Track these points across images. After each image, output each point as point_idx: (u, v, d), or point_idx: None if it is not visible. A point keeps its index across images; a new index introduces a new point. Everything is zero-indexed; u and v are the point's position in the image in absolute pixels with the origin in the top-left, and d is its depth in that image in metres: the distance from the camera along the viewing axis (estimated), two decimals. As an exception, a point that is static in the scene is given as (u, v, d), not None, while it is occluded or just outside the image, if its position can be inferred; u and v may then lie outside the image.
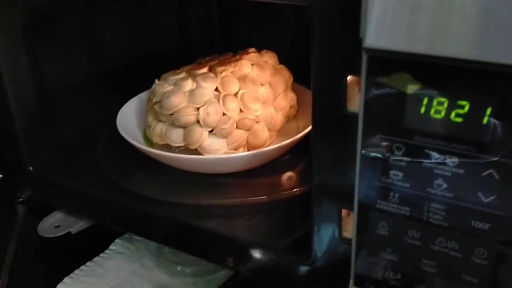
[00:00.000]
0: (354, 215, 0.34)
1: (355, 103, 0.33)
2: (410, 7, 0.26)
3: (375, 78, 0.29)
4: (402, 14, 0.27)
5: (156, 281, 0.61)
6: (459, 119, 0.28)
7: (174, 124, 0.51)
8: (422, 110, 0.29)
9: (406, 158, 0.31)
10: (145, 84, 0.58)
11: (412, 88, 0.29)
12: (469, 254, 0.31)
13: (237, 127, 0.50)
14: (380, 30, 0.27)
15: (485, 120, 0.27)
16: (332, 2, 0.31)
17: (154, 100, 0.53)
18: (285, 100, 0.55)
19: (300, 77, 0.57)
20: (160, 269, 0.62)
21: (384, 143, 0.31)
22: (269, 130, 0.53)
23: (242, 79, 0.52)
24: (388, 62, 0.29)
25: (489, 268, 0.31)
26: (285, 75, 0.56)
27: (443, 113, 0.28)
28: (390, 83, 0.29)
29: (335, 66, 0.33)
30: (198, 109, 0.50)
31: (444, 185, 0.30)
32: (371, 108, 0.30)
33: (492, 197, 0.29)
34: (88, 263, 0.64)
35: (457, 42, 0.26)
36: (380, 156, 0.31)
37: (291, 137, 0.51)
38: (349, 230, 0.38)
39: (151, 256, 0.64)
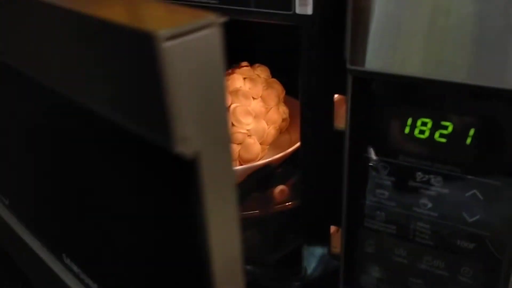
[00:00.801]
0: (342, 233, 0.34)
1: (343, 121, 0.33)
2: (393, 31, 0.27)
3: (360, 98, 0.30)
4: (385, 37, 0.27)
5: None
6: (443, 140, 0.28)
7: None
8: (407, 130, 0.29)
9: (391, 177, 0.31)
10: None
11: (396, 109, 0.29)
12: (455, 273, 0.31)
13: (228, 141, 0.50)
14: (364, 52, 0.28)
15: (468, 141, 0.28)
16: (320, 24, 0.31)
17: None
18: (277, 113, 0.55)
19: (293, 90, 0.58)
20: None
21: (370, 162, 0.31)
22: (261, 143, 0.53)
23: (234, 93, 0.53)
24: (372, 83, 0.29)
25: (475, 286, 0.31)
26: (277, 89, 0.57)
27: (427, 134, 0.29)
28: (375, 103, 0.29)
29: (322, 85, 0.33)
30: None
31: (429, 205, 0.30)
32: (357, 127, 0.31)
33: (477, 217, 0.29)
34: None
35: (440, 66, 0.26)
36: (366, 174, 0.31)
37: (284, 150, 0.51)
38: (338, 246, 0.38)
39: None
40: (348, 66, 0.29)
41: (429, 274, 0.32)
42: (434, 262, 0.32)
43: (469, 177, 0.28)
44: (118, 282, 0.33)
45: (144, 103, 0.17)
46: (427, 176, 0.29)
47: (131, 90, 0.18)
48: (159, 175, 0.20)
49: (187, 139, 0.17)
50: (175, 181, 0.19)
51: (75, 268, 0.39)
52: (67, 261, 0.40)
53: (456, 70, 0.26)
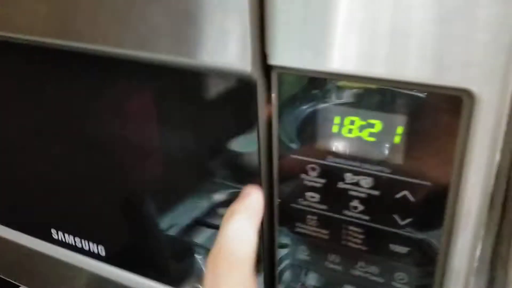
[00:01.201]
0: (275, 238, 0.32)
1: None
2: (313, 25, 0.25)
3: (285, 96, 0.28)
4: (306, 32, 0.25)
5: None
6: (372, 139, 0.27)
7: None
8: (334, 129, 0.27)
9: (321, 180, 0.29)
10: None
11: (322, 107, 0.27)
12: (389, 279, 0.30)
13: None
14: (285, 48, 0.26)
15: (396, 139, 0.26)
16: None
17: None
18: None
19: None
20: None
21: (299, 163, 0.29)
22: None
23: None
24: (296, 80, 0.27)
25: (411, 291, 0.30)
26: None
27: (355, 132, 0.27)
28: (301, 101, 0.28)
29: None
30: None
31: (360, 207, 0.28)
32: (285, 126, 0.29)
33: (408, 220, 0.27)
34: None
35: (364, 60, 0.24)
36: (296, 176, 0.29)
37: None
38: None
39: None
40: (269, 61, 0.26)
41: (364, 280, 0.30)
42: (368, 268, 0.30)
43: (399, 177, 0.27)
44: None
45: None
46: (356, 178, 0.28)
47: None
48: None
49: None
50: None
51: (70, 239, 0.40)
52: (59, 235, 0.41)
53: (383, 65, 0.24)
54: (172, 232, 0.37)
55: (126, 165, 0.36)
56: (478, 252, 0.28)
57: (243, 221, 0.29)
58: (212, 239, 0.30)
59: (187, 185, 0.36)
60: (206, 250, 0.37)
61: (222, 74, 0.29)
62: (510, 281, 0.46)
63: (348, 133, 0.27)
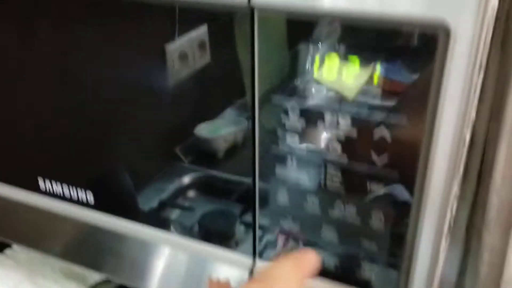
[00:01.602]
0: (255, 184, 0.33)
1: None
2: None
3: (265, 35, 0.28)
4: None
5: (69, 272, 0.58)
6: (351, 78, 0.27)
7: None
8: (315, 68, 0.28)
9: (301, 121, 0.29)
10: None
11: (302, 47, 0.28)
12: (367, 219, 0.30)
13: None
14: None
15: (375, 79, 0.27)
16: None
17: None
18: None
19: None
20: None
21: (280, 104, 0.30)
22: None
23: None
24: (276, 20, 0.27)
25: (387, 233, 0.30)
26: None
27: (334, 72, 0.28)
28: (280, 41, 0.28)
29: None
30: None
31: (339, 148, 0.29)
32: (265, 68, 0.29)
33: (385, 158, 0.28)
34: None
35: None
36: (276, 118, 0.30)
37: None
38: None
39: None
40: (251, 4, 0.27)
41: (342, 222, 0.31)
42: (346, 210, 0.31)
43: (377, 116, 0.27)
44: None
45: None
46: (335, 118, 0.28)
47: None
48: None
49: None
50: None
51: (58, 188, 0.40)
52: (46, 184, 0.41)
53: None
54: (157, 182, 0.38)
55: (113, 110, 0.37)
56: (454, 193, 0.29)
57: (290, 268, 0.26)
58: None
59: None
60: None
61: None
62: (483, 249, 0.47)
63: (328, 72, 0.28)
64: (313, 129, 0.29)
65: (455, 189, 0.29)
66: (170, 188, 0.38)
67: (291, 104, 0.29)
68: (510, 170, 0.42)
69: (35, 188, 0.42)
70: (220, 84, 0.33)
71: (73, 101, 0.38)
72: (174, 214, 0.39)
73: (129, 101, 0.36)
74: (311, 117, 0.29)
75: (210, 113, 0.34)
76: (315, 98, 0.28)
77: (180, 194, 0.38)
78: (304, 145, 0.30)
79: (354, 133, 0.28)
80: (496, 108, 0.47)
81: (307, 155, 0.30)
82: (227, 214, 0.37)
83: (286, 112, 0.29)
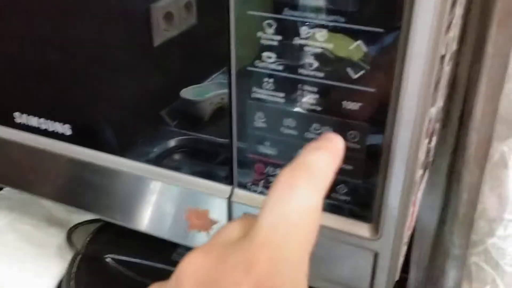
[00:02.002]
0: (231, 108, 0.33)
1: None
2: None
3: None
4: None
5: (51, 217, 0.57)
6: (326, -12, 0.27)
7: None
8: (291, -20, 0.27)
9: (277, 37, 0.29)
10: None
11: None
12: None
13: None
14: None
15: (351, -13, 0.26)
16: None
17: None
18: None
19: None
20: (55, 206, 0.58)
21: (256, 20, 0.29)
22: None
23: None
24: None
25: (363, 152, 0.30)
26: None
27: (311, -17, 0.27)
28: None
29: None
30: None
31: (315, 64, 0.29)
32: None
33: (361, 72, 0.28)
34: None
35: None
36: (252, 35, 0.29)
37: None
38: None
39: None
40: None
41: (318, 143, 0.31)
42: (322, 129, 0.30)
43: (353, 27, 0.27)
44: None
45: None
46: (312, 31, 0.28)
47: None
48: None
49: None
50: None
51: (34, 121, 0.40)
52: (22, 119, 0.41)
53: None
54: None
55: (94, 66, 0.37)
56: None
57: (326, 156, 0.26)
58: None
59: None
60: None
61: None
62: (462, 188, 0.47)
63: (304, -16, 0.27)
64: (289, 45, 0.29)
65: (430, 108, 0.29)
66: (156, 150, 0.38)
67: (267, 20, 0.29)
68: (489, 106, 0.42)
69: (10, 122, 0.41)
70: (206, 47, 0.32)
71: (54, 45, 0.37)
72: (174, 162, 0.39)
73: (112, 60, 0.36)
74: (287, 32, 0.28)
75: (197, 76, 0.34)
76: (291, 10, 0.28)
77: (166, 157, 0.38)
78: (280, 64, 0.30)
79: (330, 46, 0.28)
80: (478, 50, 0.47)
81: (284, 73, 0.30)
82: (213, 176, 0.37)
83: (262, 28, 0.29)
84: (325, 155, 0.26)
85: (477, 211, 0.40)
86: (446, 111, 0.54)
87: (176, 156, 0.37)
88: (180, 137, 0.37)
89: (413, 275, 0.61)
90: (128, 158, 0.39)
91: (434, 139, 0.41)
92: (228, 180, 0.35)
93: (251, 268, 0.22)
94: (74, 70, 0.38)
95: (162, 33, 0.33)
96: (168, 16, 0.32)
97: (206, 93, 0.34)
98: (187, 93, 0.34)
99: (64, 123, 0.39)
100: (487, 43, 0.42)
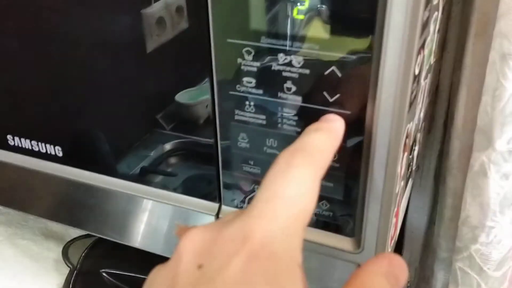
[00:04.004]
0: (216, 128, 0.34)
1: None
2: None
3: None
4: None
5: (48, 231, 0.59)
6: (301, 17, 0.28)
7: None
8: (266, 9, 0.28)
9: (255, 63, 0.30)
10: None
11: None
12: (322, 158, 0.31)
13: None
14: None
15: (323, 16, 0.27)
16: None
17: None
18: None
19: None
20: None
21: (235, 48, 0.30)
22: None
23: None
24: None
25: (342, 170, 0.31)
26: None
27: (286, 12, 0.28)
28: (233, -18, 0.28)
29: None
30: None
31: (293, 88, 0.30)
32: (218, 10, 0.30)
33: (337, 96, 0.29)
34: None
35: None
36: (232, 62, 0.31)
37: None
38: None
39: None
40: None
41: (299, 162, 0.32)
42: (303, 149, 0.32)
43: (327, 54, 0.28)
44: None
45: None
46: (288, 57, 0.29)
47: None
48: None
49: None
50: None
51: (27, 143, 0.41)
52: (15, 141, 0.42)
53: None
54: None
55: (88, 75, 0.37)
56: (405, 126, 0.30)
57: (324, 136, 0.27)
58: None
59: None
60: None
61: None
62: (447, 193, 0.49)
63: (280, 11, 0.28)
64: (267, 70, 0.30)
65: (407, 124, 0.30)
66: (152, 155, 0.39)
67: (246, 48, 0.30)
68: (470, 114, 0.43)
69: (4, 145, 0.42)
70: (199, 50, 0.33)
71: (45, 61, 0.38)
72: (157, 179, 0.40)
73: (106, 67, 0.37)
74: (265, 58, 0.29)
75: (191, 80, 0.34)
76: (268, 38, 0.29)
77: (162, 161, 0.39)
78: (260, 88, 0.31)
79: (306, 71, 0.29)
80: (459, 57, 0.48)
81: (264, 97, 0.31)
82: (209, 178, 0.38)
83: (242, 56, 0.30)
84: (324, 136, 0.27)
85: (460, 218, 0.42)
86: (431, 116, 0.55)
87: (173, 160, 0.38)
88: (176, 141, 0.38)
89: (405, 276, 0.62)
90: (119, 176, 0.40)
91: (416, 148, 0.42)
92: (215, 198, 0.37)
93: (247, 238, 0.22)
94: (66, 85, 0.38)
95: (154, 39, 0.34)
96: (160, 21, 0.33)
97: (201, 96, 0.35)
98: (182, 97, 0.35)
99: (55, 144, 0.40)
100: (466, 52, 0.44)
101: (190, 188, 0.38)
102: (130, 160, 0.39)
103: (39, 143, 0.41)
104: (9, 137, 0.42)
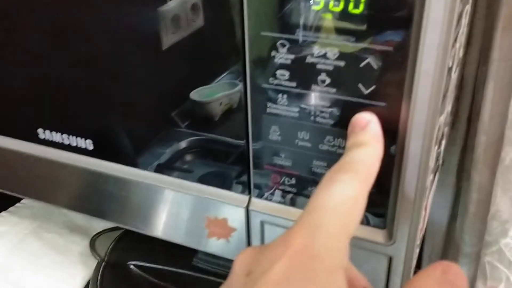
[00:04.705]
0: (247, 122, 0.34)
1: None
2: None
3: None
4: None
5: (72, 225, 0.59)
6: (337, 9, 0.28)
7: None
8: (300, 1, 0.29)
9: (290, 56, 0.30)
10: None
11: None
12: (355, 151, 0.31)
13: None
14: None
15: (361, 8, 0.27)
16: None
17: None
18: None
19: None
20: (76, 213, 0.60)
21: (269, 40, 0.30)
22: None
23: None
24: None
25: (375, 163, 0.31)
26: None
27: (322, 4, 0.28)
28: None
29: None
30: None
31: (328, 80, 0.30)
32: (253, 3, 0.30)
33: (372, 88, 0.29)
34: (2, 213, 0.62)
35: None
36: (266, 55, 0.31)
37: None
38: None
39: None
40: None
41: (332, 155, 0.32)
42: (336, 142, 0.32)
43: (363, 45, 0.28)
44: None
45: None
46: (323, 50, 0.29)
47: None
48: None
49: None
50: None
51: (57, 137, 0.42)
52: (45, 135, 0.42)
53: None
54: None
55: (108, 71, 0.38)
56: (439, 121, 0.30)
57: (372, 148, 0.28)
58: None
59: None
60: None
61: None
62: (472, 188, 0.48)
63: (315, 4, 0.28)
64: (302, 63, 0.30)
65: (441, 116, 0.30)
66: (168, 152, 0.39)
67: (280, 41, 0.30)
68: (497, 108, 0.43)
69: (35, 139, 0.43)
70: (214, 48, 0.34)
71: (72, 57, 0.39)
72: (173, 175, 0.40)
73: (124, 67, 0.37)
74: (300, 51, 0.30)
75: (206, 77, 0.35)
76: (304, 30, 0.29)
77: (178, 158, 0.39)
78: (293, 81, 0.31)
79: (341, 63, 0.29)
80: (484, 51, 0.47)
81: (297, 89, 0.31)
82: (225, 175, 0.38)
83: (275, 48, 0.30)
84: (366, 149, 0.27)
85: (490, 212, 0.42)
86: (455, 111, 0.55)
87: (189, 157, 0.39)
88: (192, 138, 0.38)
89: (426, 271, 0.62)
90: (145, 168, 0.40)
91: (443, 142, 0.42)
92: (245, 189, 0.37)
93: (289, 243, 0.23)
94: (89, 83, 0.39)
95: (170, 36, 0.34)
96: (176, 19, 0.33)
97: (216, 93, 0.35)
98: (197, 94, 0.36)
99: (86, 138, 0.41)
100: (493, 47, 0.43)
101: (228, 183, 0.38)
102: (149, 155, 0.40)
103: (70, 136, 0.41)
104: (39, 130, 0.42)
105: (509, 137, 0.39)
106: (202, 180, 0.39)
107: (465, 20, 0.36)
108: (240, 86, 0.33)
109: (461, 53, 0.39)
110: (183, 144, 0.39)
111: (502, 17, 0.41)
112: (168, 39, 0.34)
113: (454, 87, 0.41)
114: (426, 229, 0.61)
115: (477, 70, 0.50)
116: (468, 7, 0.37)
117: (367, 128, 0.28)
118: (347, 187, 0.25)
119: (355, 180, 0.26)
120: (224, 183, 0.38)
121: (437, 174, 0.44)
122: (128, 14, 0.35)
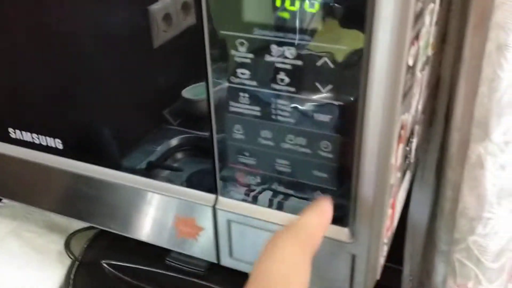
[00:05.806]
0: (212, 120, 0.34)
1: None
2: None
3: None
4: None
5: (52, 224, 0.59)
6: (293, 8, 0.28)
7: None
8: (258, 1, 0.29)
9: (249, 55, 0.30)
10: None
11: (246, -22, 0.28)
12: (316, 149, 0.32)
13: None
14: None
15: (316, 7, 0.27)
16: None
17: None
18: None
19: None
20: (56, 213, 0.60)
21: (228, 40, 0.30)
22: None
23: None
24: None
25: (336, 161, 0.32)
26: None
27: (278, 2, 0.28)
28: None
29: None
30: None
31: (287, 79, 0.30)
32: (212, 2, 0.30)
33: (329, 86, 0.29)
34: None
35: None
36: (226, 54, 0.31)
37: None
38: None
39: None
40: None
41: (293, 153, 0.32)
42: (297, 140, 0.32)
43: (320, 44, 0.28)
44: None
45: None
46: (281, 49, 0.29)
47: None
48: None
49: None
50: None
51: (27, 136, 0.42)
52: (16, 134, 0.43)
53: None
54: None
55: (95, 71, 0.38)
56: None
57: (313, 218, 0.30)
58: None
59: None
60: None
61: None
62: (446, 185, 0.48)
63: (273, 3, 0.28)
64: (261, 62, 0.30)
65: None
66: (159, 150, 0.39)
67: (239, 40, 0.30)
68: (469, 106, 0.43)
69: (5, 138, 0.43)
70: (204, 46, 0.33)
71: (48, 56, 0.39)
72: (163, 173, 0.41)
73: (113, 63, 0.37)
74: (259, 50, 0.30)
75: (197, 76, 0.35)
76: (261, 30, 0.29)
77: (168, 156, 0.39)
78: (254, 80, 0.31)
79: (299, 63, 0.29)
80: (459, 50, 0.48)
81: (258, 88, 0.31)
82: (192, 174, 0.39)
83: (235, 47, 0.30)
84: (313, 217, 0.30)
85: (458, 209, 0.42)
86: (432, 109, 0.55)
87: (179, 155, 0.39)
88: (182, 136, 0.38)
89: (407, 268, 0.62)
90: (122, 170, 0.40)
91: (415, 140, 0.42)
92: (212, 189, 0.37)
93: None
94: (69, 80, 0.39)
95: (161, 34, 0.34)
96: (167, 17, 0.33)
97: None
98: (188, 92, 0.36)
99: (55, 137, 0.41)
100: (465, 45, 0.43)
101: (194, 182, 0.38)
102: (137, 154, 0.40)
103: (40, 136, 0.41)
104: (10, 130, 0.42)
105: (475, 135, 0.39)
106: (191, 177, 0.39)
107: (431, 18, 0.36)
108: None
109: (429, 52, 0.39)
110: (174, 141, 0.39)
111: (472, 15, 0.41)
112: (159, 38, 0.34)
113: (424, 85, 0.41)
114: (406, 227, 0.61)
115: (453, 68, 0.50)
116: (435, 6, 0.37)
117: (319, 202, 0.31)
118: (290, 251, 0.28)
119: (298, 244, 0.28)
120: (191, 182, 0.38)
121: (409, 172, 0.44)
122: (118, 11, 0.35)
